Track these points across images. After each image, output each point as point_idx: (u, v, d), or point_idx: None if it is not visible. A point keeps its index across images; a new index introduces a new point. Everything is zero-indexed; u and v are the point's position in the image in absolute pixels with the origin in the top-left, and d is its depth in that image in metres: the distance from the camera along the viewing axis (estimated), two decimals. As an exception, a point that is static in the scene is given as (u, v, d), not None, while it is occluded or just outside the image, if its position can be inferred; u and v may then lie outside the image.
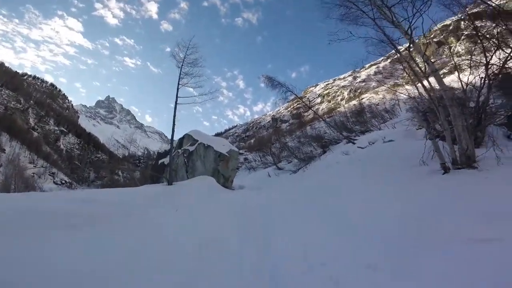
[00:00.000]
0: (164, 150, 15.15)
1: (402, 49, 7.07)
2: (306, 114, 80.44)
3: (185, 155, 11.40)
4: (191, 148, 11.32)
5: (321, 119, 16.93)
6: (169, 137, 14.22)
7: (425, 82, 5.83)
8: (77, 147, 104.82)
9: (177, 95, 10.56)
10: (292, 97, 14.19)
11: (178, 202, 5.44)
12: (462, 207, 3.23)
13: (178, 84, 10.87)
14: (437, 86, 5.60)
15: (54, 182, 64.82)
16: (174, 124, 10.14)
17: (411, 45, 5.65)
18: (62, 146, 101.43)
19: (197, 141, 11.48)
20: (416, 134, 9.83)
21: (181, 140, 12.52)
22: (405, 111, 27.66)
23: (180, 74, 10.94)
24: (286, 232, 4.17)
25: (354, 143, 13.97)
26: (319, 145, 19.75)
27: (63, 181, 67.76)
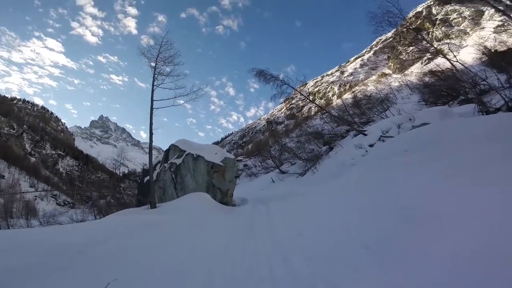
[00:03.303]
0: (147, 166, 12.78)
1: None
2: (299, 114, 78.78)
3: (172, 169, 9.16)
4: (178, 161, 9.07)
5: (324, 111, 14.79)
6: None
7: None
8: (76, 168, 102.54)
9: (152, 98, 8.43)
10: (289, 90, 12.14)
11: (125, 257, 2.95)
12: None
13: (153, 85, 8.77)
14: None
15: (57, 203, 63.56)
16: (151, 134, 7.94)
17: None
18: (61, 169, 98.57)
19: (185, 151, 9.25)
20: (451, 113, 7.80)
21: (167, 152, 10.26)
22: (400, 98, 26.08)
23: (154, 74, 8.87)
24: None
25: (365, 135, 11.90)
26: (321, 142, 17.76)
27: (66, 202, 66.72)
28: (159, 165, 10.29)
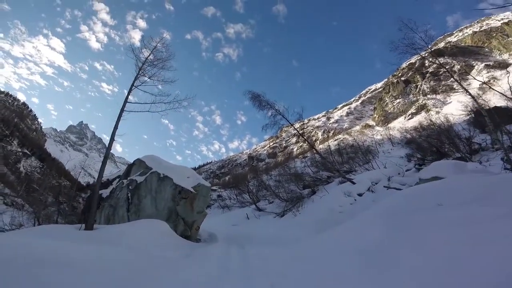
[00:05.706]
0: (106, 179, 10.66)
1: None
2: (281, 154, 78.94)
3: (130, 187, 7.44)
4: (139, 179, 7.39)
5: (315, 152, 13.91)
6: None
7: None
8: (38, 171, 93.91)
9: (126, 99, 7.10)
10: (283, 122, 11.21)
11: None
12: None
13: (132, 85, 7.51)
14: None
15: (4, 202, 55.81)
16: (112, 140, 6.43)
17: None
18: (22, 169, 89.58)
19: (150, 169, 7.64)
20: (466, 168, 7.11)
21: (129, 167, 8.54)
22: (382, 152, 26.13)
23: (137, 74, 7.67)
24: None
25: (353, 183, 10.93)
26: (301, 184, 16.68)
27: (14, 203, 58.77)
28: (117, 180, 8.52)
